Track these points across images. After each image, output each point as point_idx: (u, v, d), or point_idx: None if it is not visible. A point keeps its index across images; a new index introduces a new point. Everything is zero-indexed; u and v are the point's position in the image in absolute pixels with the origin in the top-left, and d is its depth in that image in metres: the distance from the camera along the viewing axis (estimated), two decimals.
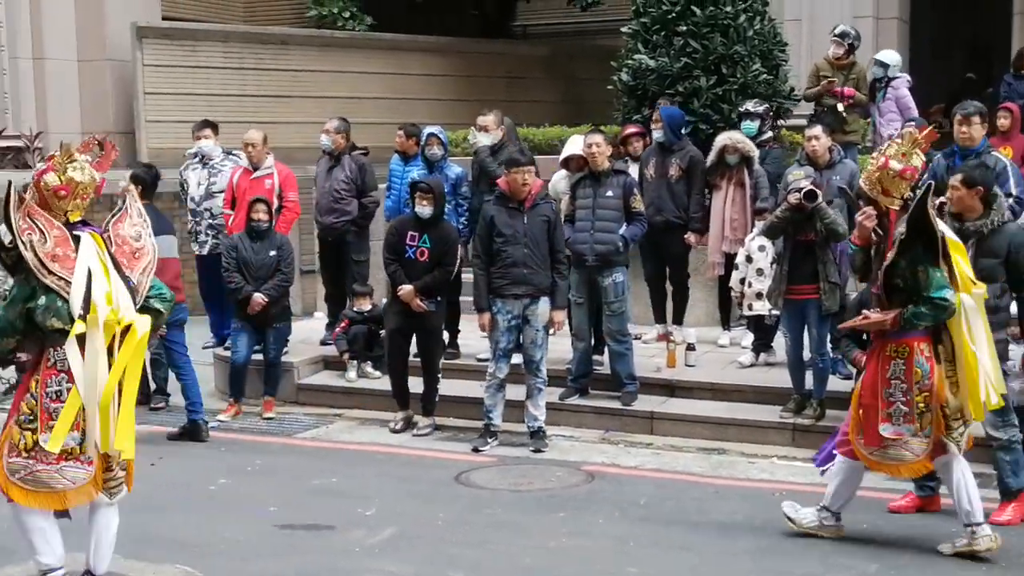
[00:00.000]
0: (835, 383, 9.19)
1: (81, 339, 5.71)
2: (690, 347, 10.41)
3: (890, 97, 12.00)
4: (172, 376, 10.39)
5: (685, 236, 10.73)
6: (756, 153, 10.53)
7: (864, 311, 7.02)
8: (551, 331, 9.38)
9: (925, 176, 8.93)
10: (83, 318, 5.70)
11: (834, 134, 10.40)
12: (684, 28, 12.00)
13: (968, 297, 6.62)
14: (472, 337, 10.73)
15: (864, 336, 7.85)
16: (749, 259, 9.85)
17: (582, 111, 16.91)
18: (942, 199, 7.26)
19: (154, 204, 10.17)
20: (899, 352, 6.70)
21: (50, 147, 5.73)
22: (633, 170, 10.63)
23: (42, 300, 5.72)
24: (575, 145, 10.17)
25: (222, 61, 18.00)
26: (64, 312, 5.71)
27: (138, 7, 17.79)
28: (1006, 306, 7.28)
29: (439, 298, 9.79)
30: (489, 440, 9.33)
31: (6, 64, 17.10)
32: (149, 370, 10.54)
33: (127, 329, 5.80)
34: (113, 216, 6.08)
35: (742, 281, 9.89)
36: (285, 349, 10.91)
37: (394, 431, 9.85)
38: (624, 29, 12.80)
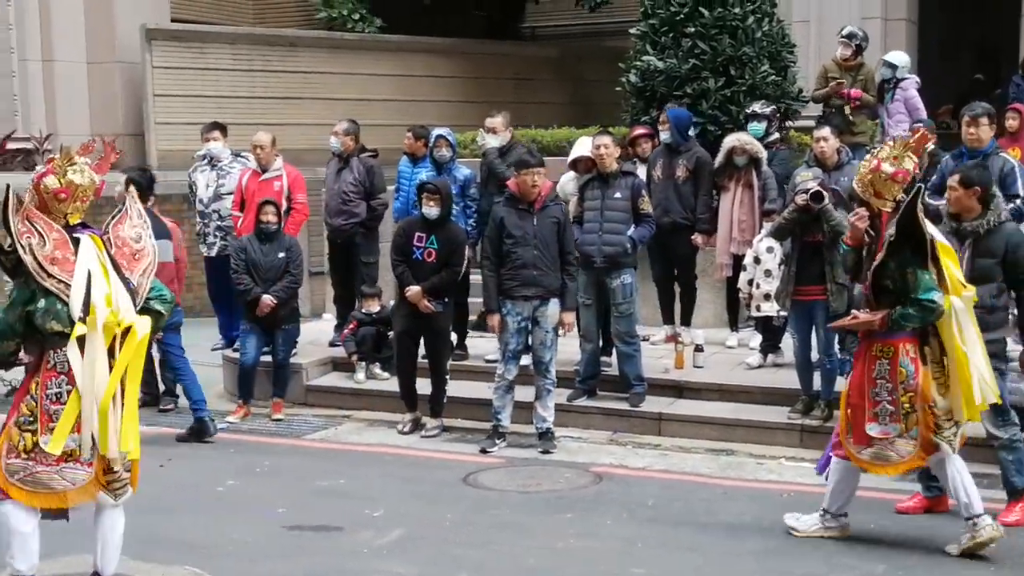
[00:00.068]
0: (843, 384, 9.17)
1: (81, 341, 5.71)
2: (698, 348, 10.41)
3: (899, 98, 11.98)
4: None
5: (692, 237, 10.74)
6: (764, 155, 10.53)
7: (853, 311, 7.07)
8: (561, 332, 9.39)
9: (934, 179, 8.98)
10: (83, 320, 5.70)
11: (842, 135, 10.39)
12: (692, 30, 11.99)
13: (958, 300, 6.67)
14: (480, 338, 10.75)
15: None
16: (757, 260, 9.88)
17: (590, 112, 16.90)
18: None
19: (151, 208, 10.17)
20: (884, 352, 6.76)
21: (59, 149, 5.76)
22: (641, 171, 10.64)
23: (41, 303, 5.72)
24: (583, 147, 10.18)
25: (231, 63, 18.05)
26: (64, 315, 5.71)
27: (147, 9, 17.87)
28: (1004, 306, 7.30)
29: (447, 299, 9.80)
30: (497, 441, 9.35)
31: (15, 66, 17.18)
32: (158, 371, 10.62)
33: (128, 331, 5.80)
34: (113, 218, 6.09)
35: (750, 282, 9.91)
36: (294, 351, 10.93)
37: (402, 433, 9.87)
38: (632, 31, 12.79)
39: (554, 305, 9.19)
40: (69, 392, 5.72)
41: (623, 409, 9.82)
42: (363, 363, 10.93)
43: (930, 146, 10.06)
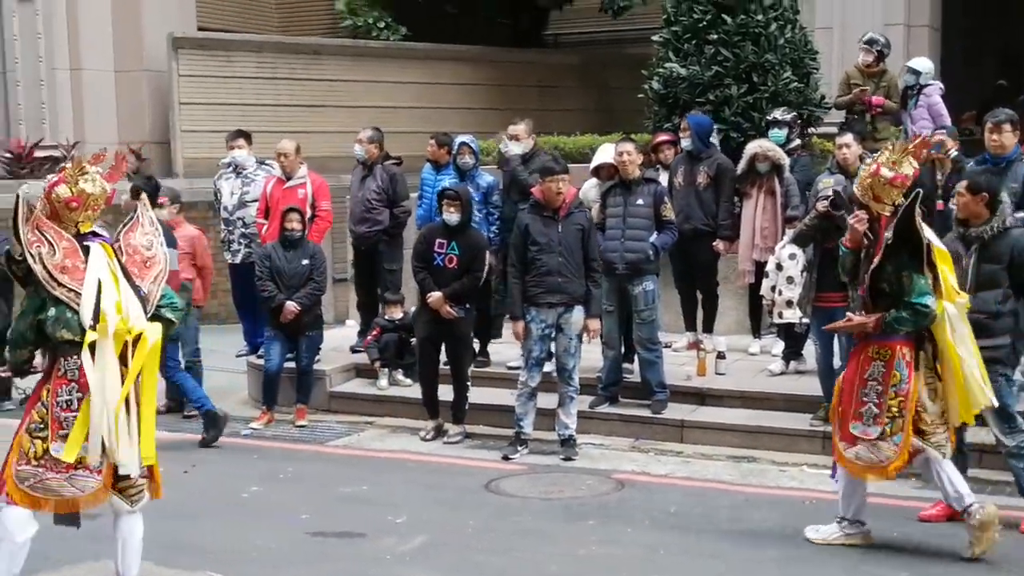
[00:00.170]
0: None
1: (93, 348, 5.72)
2: (720, 355, 10.41)
3: (922, 104, 11.93)
4: (207, 384, 10.49)
5: (713, 244, 10.74)
6: (787, 161, 10.53)
7: (848, 313, 7.09)
8: (586, 339, 9.39)
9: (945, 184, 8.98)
10: (93, 328, 5.71)
11: (865, 142, 10.36)
12: (715, 36, 12.00)
13: (951, 305, 6.71)
14: (503, 344, 10.77)
15: None
16: (779, 267, 9.85)
17: (613, 119, 16.92)
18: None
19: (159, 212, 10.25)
20: (880, 354, 6.79)
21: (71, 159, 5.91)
22: (663, 178, 10.65)
23: (52, 312, 5.74)
24: (606, 153, 10.19)
25: (256, 71, 18.14)
26: (74, 323, 5.72)
27: (174, 18, 17.98)
28: (1009, 311, 7.30)
29: (468, 305, 9.83)
30: (519, 448, 9.36)
31: (44, 75, 17.35)
32: None
33: (139, 338, 5.81)
34: (124, 226, 6.11)
35: (772, 289, 9.88)
36: (317, 357, 10.98)
37: (425, 439, 9.89)
38: (655, 38, 12.80)
39: (579, 312, 9.20)
40: (80, 399, 5.74)
41: (645, 416, 9.82)
42: (386, 370, 10.97)
43: (953, 152, 10.14)
